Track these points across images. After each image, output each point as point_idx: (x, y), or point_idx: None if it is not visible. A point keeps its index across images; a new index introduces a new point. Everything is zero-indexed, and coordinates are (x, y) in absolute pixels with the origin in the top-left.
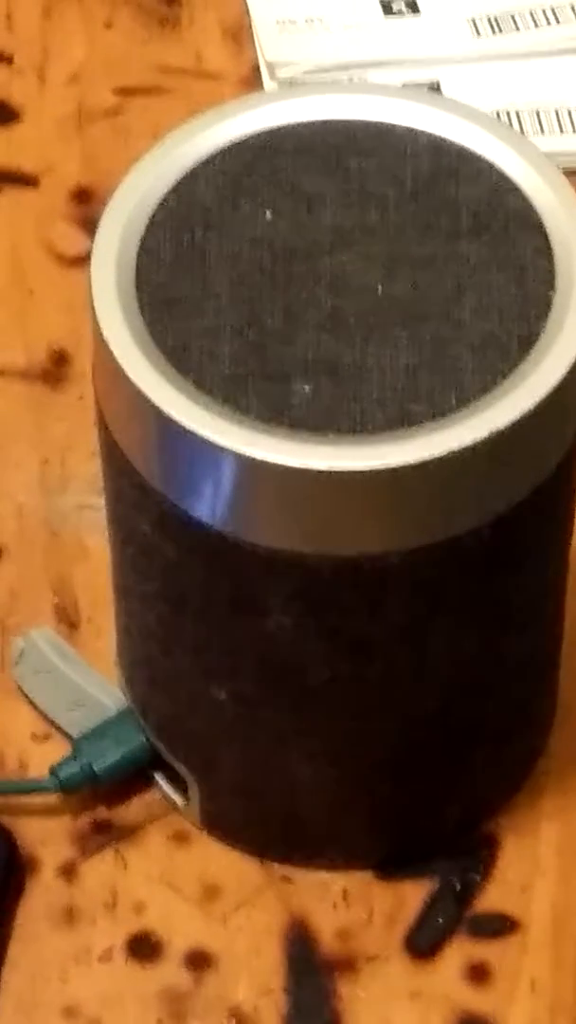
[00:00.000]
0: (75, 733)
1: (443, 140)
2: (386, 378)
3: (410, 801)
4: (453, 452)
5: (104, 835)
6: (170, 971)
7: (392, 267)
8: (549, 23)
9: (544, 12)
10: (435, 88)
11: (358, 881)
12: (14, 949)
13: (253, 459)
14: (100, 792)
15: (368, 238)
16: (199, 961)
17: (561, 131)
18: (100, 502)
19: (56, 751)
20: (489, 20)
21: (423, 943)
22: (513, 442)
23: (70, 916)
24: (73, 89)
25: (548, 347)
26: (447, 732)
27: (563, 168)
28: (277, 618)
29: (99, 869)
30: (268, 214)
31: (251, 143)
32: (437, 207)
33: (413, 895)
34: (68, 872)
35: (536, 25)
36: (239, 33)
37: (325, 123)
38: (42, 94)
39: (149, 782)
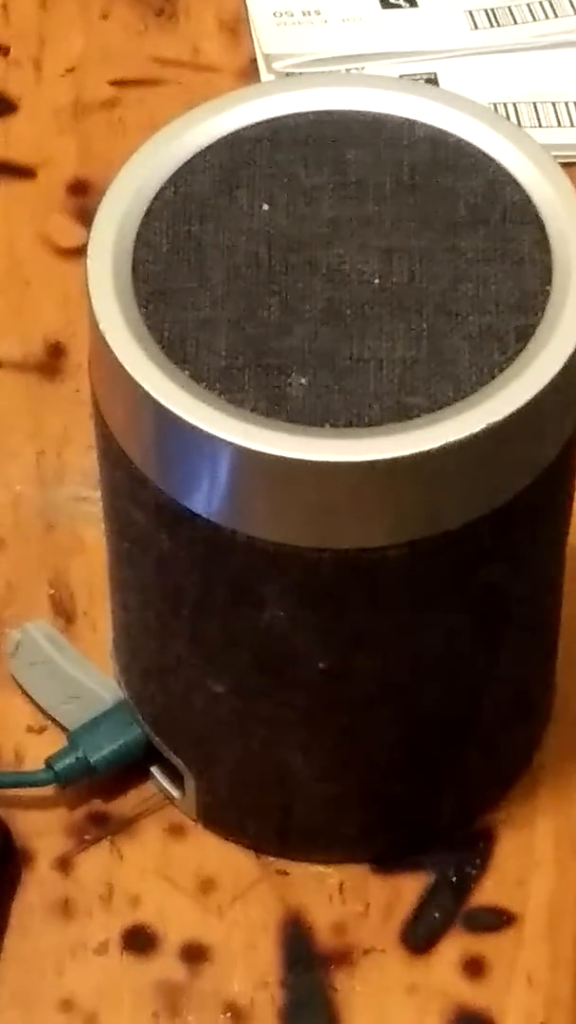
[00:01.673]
0: (71, 725)
1: (440, 132)
2: (383, 370)
3: (407, 794)
4: (450, 445)
5: (100, 827)
6: (166, 964)
7: (389, 259)
8: (547, 16)
9: (541, 5)
10: (432, 80)
11: (354, 874)
12: (9, 942)
13: (249, 451)
14: (96, 784)
15: (365, 230)
16: (195, 954)
17: (559, 124)
18: (96, 495)
19: (52, 743)
20: (486, 13)
21: (419, 937)
22: (510, 435)
23: (66, 909)
24: (70, 80)
25: (545, 340)
26: (444, 725)
27: (560, 161)
28: (273, 611)
29: (95, 862)
30: (265, 206)
31: (248, 135)
32: (434, 199)
33: (409, 889)
34: (64, 864)
35: (534, 18)
36: (236, 25)
37: (322, 115)
38: (39, 85)
39: (145, 775)
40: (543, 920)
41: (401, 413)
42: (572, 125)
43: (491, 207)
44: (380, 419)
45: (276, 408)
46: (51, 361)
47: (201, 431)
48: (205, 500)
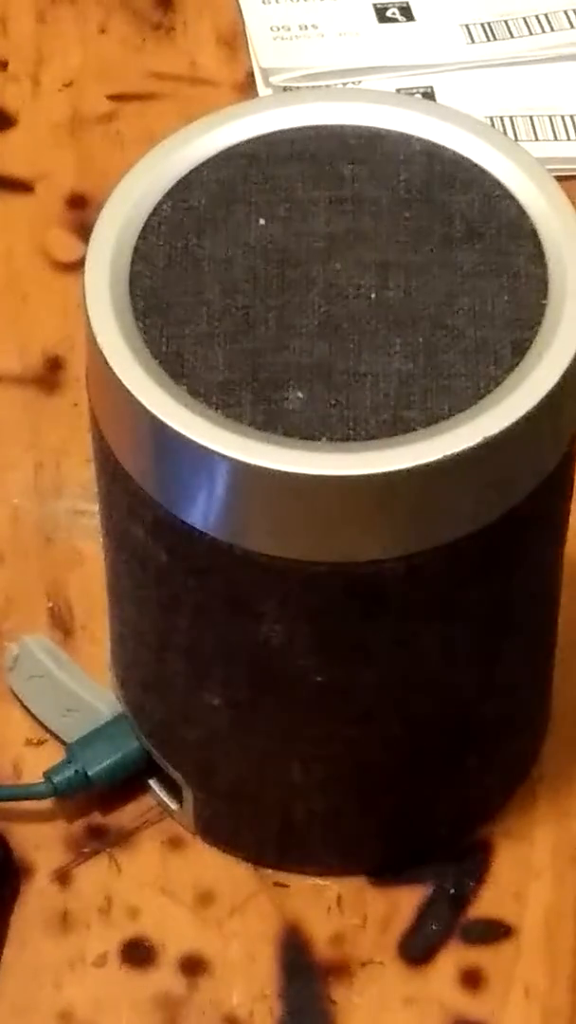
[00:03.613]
0: (69, 738)
1: (437, 147)
2: (379, 384)
3: (404, 807)
4: (446, 459)
5: (98, 840)
6: (164, 977)
7: (385, 273)
8: (543, 30)
9: (538, 19)
10: (429, 94)
11: (352, 887)
12: (8, 954)
13: (247, 465)
14: (94, 797)
15: (361, 244)
16: (193, 966)
17: (555, 137)
18: (94, 508)
19: (50, 756)
20: (483, 26)
21: (417, 949)
22: (506, 449)
23: (64, 921)
24: (67, 95)
25: (541, 354)
26: (441, 738)
27: (556, 175)
28: (270, 624)
29: (93, 874)
30: (262, 220)
31: (245, 149)
32: (431, 214)
33: (407, 901)
34: (62, 877)
35: (530, 32)
36: (233, 39)
37: (319, 129)
38: (36, 100)
39: (143, 787)
40: (541, 932)
41: (398, 427)
42: (568, 138)
43: (487, 221)
44: (377, 433)
45: (273, 422)
46: (49, 374)
47: (198, 445)
48: (202, 514)
